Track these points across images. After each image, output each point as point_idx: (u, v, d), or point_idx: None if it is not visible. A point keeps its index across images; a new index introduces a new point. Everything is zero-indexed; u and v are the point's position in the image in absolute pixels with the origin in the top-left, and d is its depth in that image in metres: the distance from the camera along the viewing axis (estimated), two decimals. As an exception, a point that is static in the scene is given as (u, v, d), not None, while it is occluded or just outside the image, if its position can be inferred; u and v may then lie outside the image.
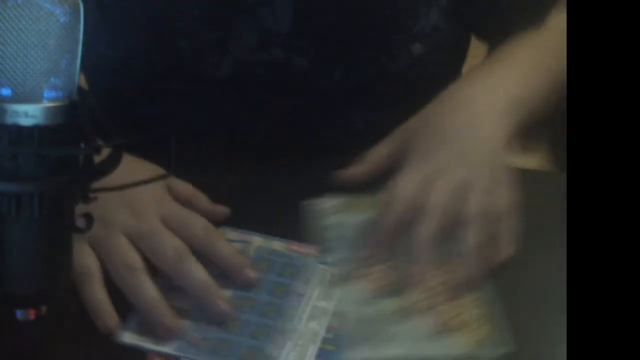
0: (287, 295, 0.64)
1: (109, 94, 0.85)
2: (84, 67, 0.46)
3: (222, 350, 0.60)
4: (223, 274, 0.64)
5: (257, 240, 0.69)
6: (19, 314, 0.48)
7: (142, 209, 0.65)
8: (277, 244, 0.69)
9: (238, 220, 0.71)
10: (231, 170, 0.77)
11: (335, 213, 0.73)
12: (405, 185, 0.69)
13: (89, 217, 0.48)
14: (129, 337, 0.61)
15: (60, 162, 0.45)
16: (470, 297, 0.65)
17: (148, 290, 0.61)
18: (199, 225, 0.66)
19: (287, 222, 0.71)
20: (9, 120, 0.44)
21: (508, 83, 0.78)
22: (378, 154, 0.75)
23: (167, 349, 0.60)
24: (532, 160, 0.69)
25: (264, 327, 0.62)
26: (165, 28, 0.80)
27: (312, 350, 0.61)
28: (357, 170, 0.75)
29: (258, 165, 0.78)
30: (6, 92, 0.44)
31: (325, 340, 0.61)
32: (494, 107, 0.75)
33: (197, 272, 0.62)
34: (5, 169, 0.44)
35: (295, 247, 0.69)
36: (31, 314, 0.48)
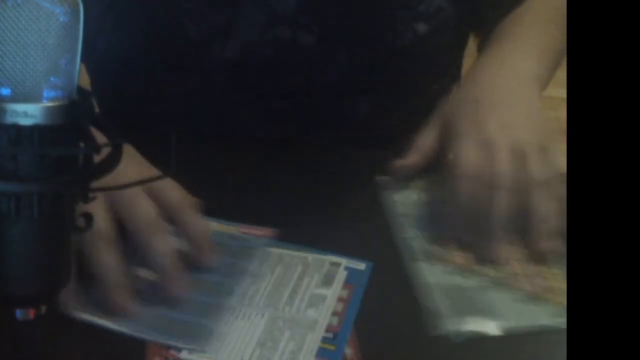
0: (237, 274, 0.65)
1: (112, 90, 0.85)
2: (88, 63, 0.46)
3: (170, 329, 0.60)
4: (184, 256, 0.64)
5: (213, 226, 0.70)
6: (19, 313, 0.48)
7: (122, 170, 0.65)
8: (232, 228, 0.70)
9: (229, 213, 0.71)
10: (231, 167, 0.77)
11: (405, 191, 0.75)
12: (467, 159, 0.70)
13: (88, 217, 0.48)
14: (81, 313, 0.61)
15: (60, 162, 0.45)
16: (549, 268, 0.67)
17: (112, 259, 0.61)
18: (176, 192, 0.66)
19: (277, 213, 0.72)
20: (9, 120, 0.43)
21: (529, 57, 0.81)
22: (426, 140, 0.76)
23: (116, 326, 0.61)
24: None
25: (212, 305, 0.62)
26: (171, 11, 0.80)
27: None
28: (410, 160, 0.75)
29: (258, 161, 0.79)
30: (5, 91, 0.43)
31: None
32: (526, 77, 0.78)
33: (165, 247, 0.62)
34: (5, 169, 0.44)
35: (249, 230, 0.70)
36: (31, 314, 0.48)
